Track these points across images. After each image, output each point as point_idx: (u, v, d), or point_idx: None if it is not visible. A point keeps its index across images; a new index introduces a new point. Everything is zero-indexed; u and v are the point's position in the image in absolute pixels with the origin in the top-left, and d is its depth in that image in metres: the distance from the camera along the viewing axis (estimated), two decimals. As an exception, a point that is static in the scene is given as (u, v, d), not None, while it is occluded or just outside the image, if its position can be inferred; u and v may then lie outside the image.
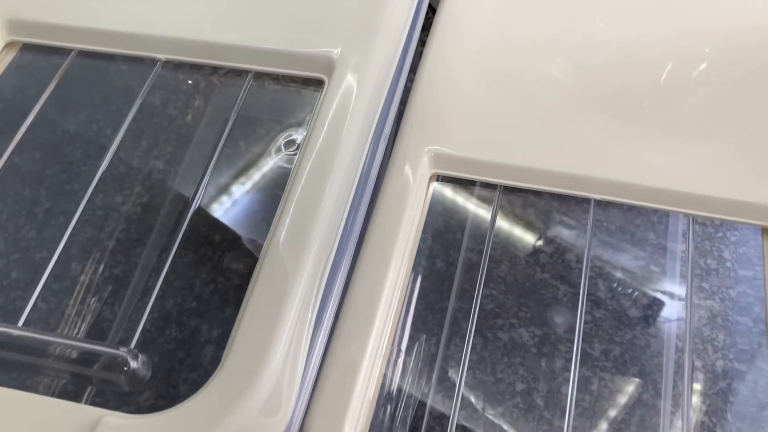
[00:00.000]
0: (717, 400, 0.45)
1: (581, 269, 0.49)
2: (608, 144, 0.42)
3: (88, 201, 0.53)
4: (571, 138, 0.42)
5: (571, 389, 0.39)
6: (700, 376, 0.46)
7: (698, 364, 0.46)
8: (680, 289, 0.49)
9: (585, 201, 0.41)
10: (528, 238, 0.51)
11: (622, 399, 0.46)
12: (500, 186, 0.41)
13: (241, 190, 0.51)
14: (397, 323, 0.44)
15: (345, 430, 0.33)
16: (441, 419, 0.45)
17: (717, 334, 0.48)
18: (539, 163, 0.41)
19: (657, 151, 0.42)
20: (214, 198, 0.52)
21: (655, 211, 0.52)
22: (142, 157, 0.55)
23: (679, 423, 0.45)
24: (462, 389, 0.42)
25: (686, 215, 0.42)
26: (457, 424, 0.45)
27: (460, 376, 0.39)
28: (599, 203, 0.42)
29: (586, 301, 0.48)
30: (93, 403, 0.36)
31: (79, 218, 0.53)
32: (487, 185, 0.42)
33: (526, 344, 0.48)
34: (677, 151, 0.43)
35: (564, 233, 0.51)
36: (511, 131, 0.43)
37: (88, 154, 0.54)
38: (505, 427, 0.45)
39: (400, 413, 0.44)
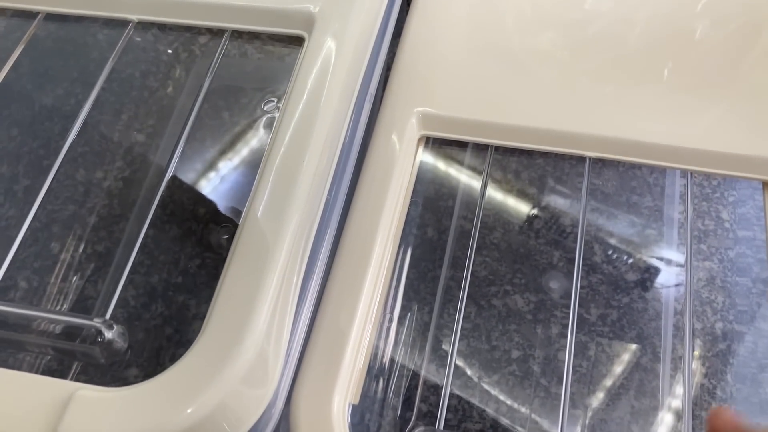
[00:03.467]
0: (717, 362, 0.44)
1: (576, 234, 0.47)
2: (603, 101, 0.41)
3: (67, 176, 0.51)
4: (564, 95, 0.41)
5: (568, 355, 0.38)
6: (700, 338, 0.45)
7: (698, 326, 0.45)
8: (677, 253, 0.48)
9: (580, 160, 0.40)
10: (521, 204, 0.50)
11: (620, 364, 0.45)
12: (491, 146, 0.40)
13: (224, 160, 0.49)
14: (388, 292, 0.43)
15: (335, 399, 0.32)
16: (436, 388, 0.44)
17: (716, 295, 0.46)
18: (531, 122, 0.39)
19: (653, 107, 0.41)
20: (198, 170, 0.50)
21: (652, 171, 0.50)
22: (122, 130, 0.53)
23: (678, 386, 0.44)
24: (455, 358, 0.41)
25: (684, 171, 0.40)
26: (451, 393, 0.44)
27: (452, 344, 0.38)
28: (595, 162, 0.40)
29: (583, 266, 0.47)
30: (78, 380, 0.35)
31: (60, 195, 0.52)
32: (477, 148, 0.41)
33: (521, 311, 0.47)
34: (674, 106, 0.41)
35: (558, 197, 0.49)
36: (502, 90, 0.42)
37: (61, 125, 0.52)
38: (501, 395, 0.44)
39: (393, 383, 0.43)
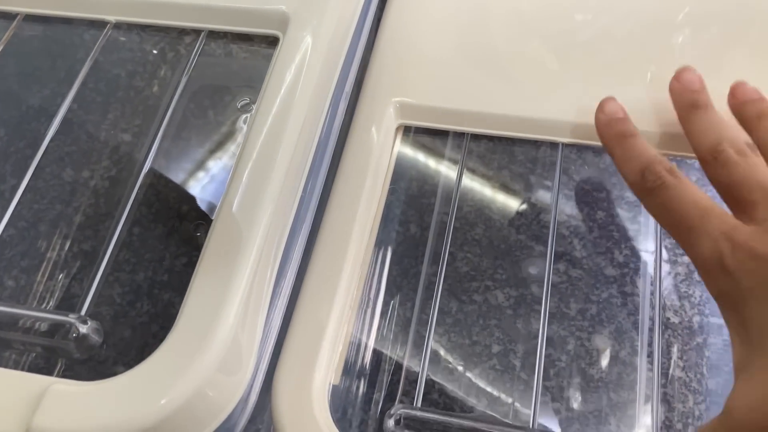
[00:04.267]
0: (693, 355, 0.45)
1: (557, 227, 0.48)
2: (577, 88, 0.42)
3: (53, 176, 0.52)
4: (538, 84, 0.42)
5: (540, 344, 0.38)
6: (678, 331, 0.46)
7: (675, 320, 0.46)
8: (656, 247, 0.49)
9: (554, 147, 0.40)
10: (501, 198, 0.50)
11: (599, 357, 0.46)
12: (467, 134, 0.40)
13: (205, 159, 0.50)
14: (368, 279, 0.43)
15: (315, 379, 0.32)
16: (413, 383, 0.45)
17: (693, 290, 0.47)
18: (506, 110, 0.40)
19: (630, 95, 0.42)
20: (181, 169, 0.51)
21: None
22: (108, 129, 0.54)
23: (656, 379, 0.45)
24: (431, 339, 0.42)
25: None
26: (432, 387, 0.44)
27: (427, 334, 0.39)
28: (572, 154, 0.41)
29: (563, 260, 0.47)
30: (64, 377, 0.36)
31: (46, 194, 0.52)
32: (456, 137, 0.41)
33: (502, 306, 0.47)
34: (646, 93, 0.42)
35: (538, 191, 0.50)
36: (478, 80, 0.42)
37: (39, 124, 0.53)
38: (482, 387, 0.44)
39: (369, 375, 0.44)
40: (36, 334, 0.29)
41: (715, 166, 0.36)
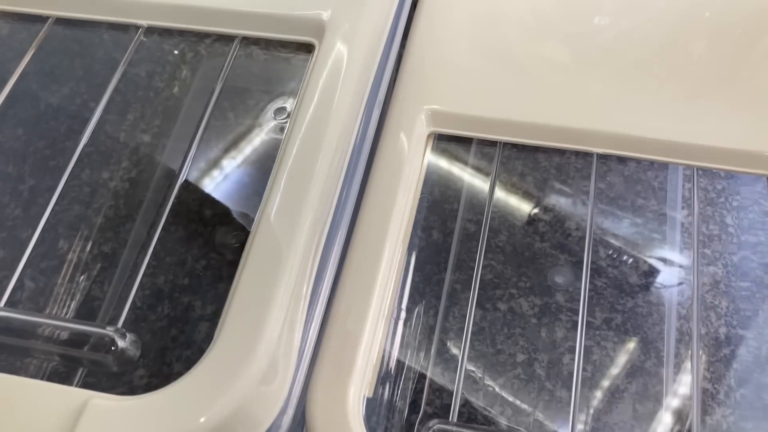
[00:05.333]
0: (720, 366, 0.45)
1: (581, 236, 0.48)
2: (610, 97, 0.41)
3: (72, 176, 0.51)
4: (572, 92, 0.41)
5: (578, 358, 0.38)
6: (703, 342, 0.45)
7: (702, 330, 0.45)
8: (681, 257, 0.48)
9: (585, 163, 0.40)
10: (526, 205, 0.50)
11: (625, 367, 0.45)
12: (500, 143, 0.40)
13: (232, 163, 0.50)
14: (396, 292, 0.43)
15: (350, 392, 0.32)
16: (441, 391, 0.44)
17: (720, 300, 0.47)
18: (540, 119, 0.40)
19: (659, 104, 0.41)
20: (204, 172, 0.50)
21: (656, 176, 0.51)
22: (128, 131, 0.53)
23: (680, 389, 0.44)
24: (467, 353, 0.42)
25: (690, 167, 0.41)
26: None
27: (462, 349, 0.39)
28: (601, 163, 0.40)
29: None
30: (84, 384, 0.35)
31: (66, 195, 0.52)
32: (484, 148, 0.41)
33: (526, 314, 0.47)
34: (680, 103, 0.42)
35: (564, 199, 0.50)
36: (510, 87, 0.42)
37: (71, 128, 0.52)
38: (507, 397, 0.44)
39: (400, 386, 0.43)
40: (60, 344, 0.29)
41: None
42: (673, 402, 0.44)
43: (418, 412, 0.43)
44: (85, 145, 0.53)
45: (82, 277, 0.48)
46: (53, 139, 0.52)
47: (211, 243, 0.49)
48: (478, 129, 0.40)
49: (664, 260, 0.48)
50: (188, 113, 0.52)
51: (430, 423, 0.37)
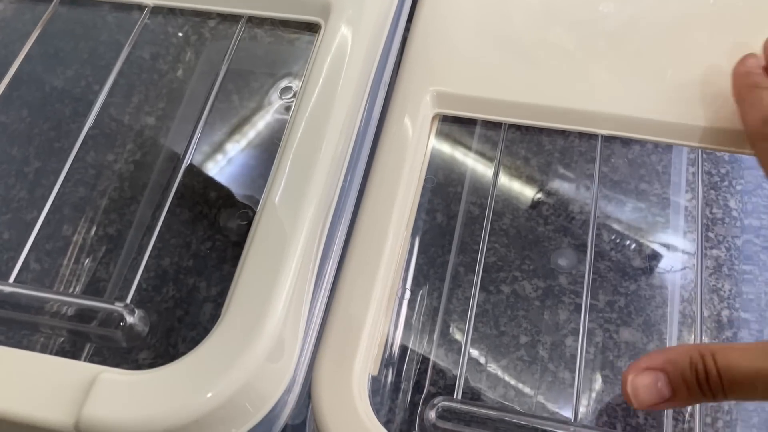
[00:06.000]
0: (722, 349, 0.45)
1: (584, 219, 0.48)
2: (615, 80, 0.41)
3: (77, 159, 0.51)
4: (577, 75, 0.41)
5: (582, 339, 0.38)
6: (706, 325, 0.45)
7: (705, 313, 0.46)
8: (685, 240, 0.48)
9: (589, 146, 0.40)
10: (530, 188, 0.50)
11: (627, 350, 0.46)
12: (505, 125, 0.40)
13: (236, 145, 0.50)
14: (401, 273, 0.43)
15: (355, 370, 0.32)
16: (445, 372, 0.45)
17: (723, 283, 0.47)
18: (545, 100, 0.39)
19: (665, 87, 0.41)
20: (209, 154, 0.50)
21: (660, 159, 0.51)
22: (133, 113, 0.54)
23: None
24: (471, 332, 0.42)
25: (694, 149, 0.41)
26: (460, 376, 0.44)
27: (468, 324, 0.39)
28: (605, 146, 0.40)
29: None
30: (91, 362, 0.35)
31: (71, 177, 0.52)
32: (490, 129, 0.41)
33: (529, 297, 0.47)
34: (684, 85, 0.42)
35: (568, 183, 0.50)
36: (516, 69, 0.42)
37: (76, 111, 0.53)
38: (509, 379, 0.44)
39: (404, 366, 0.44)
40: (67, 319, 0.29)
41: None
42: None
43: (422, 392, 0.43)
44: (90, 128, 0.53)
45: (87, 259, 0.48)
46: (58, 122, 0.52)
47: (217, 225, 0.49)
48: (483, 110, 0.40)
49: (667, 245, 0.48)
50: (193, 95, 0.52)
51: (435, 400, 0.37)
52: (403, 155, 0.38)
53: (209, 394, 0.26)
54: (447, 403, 0.36)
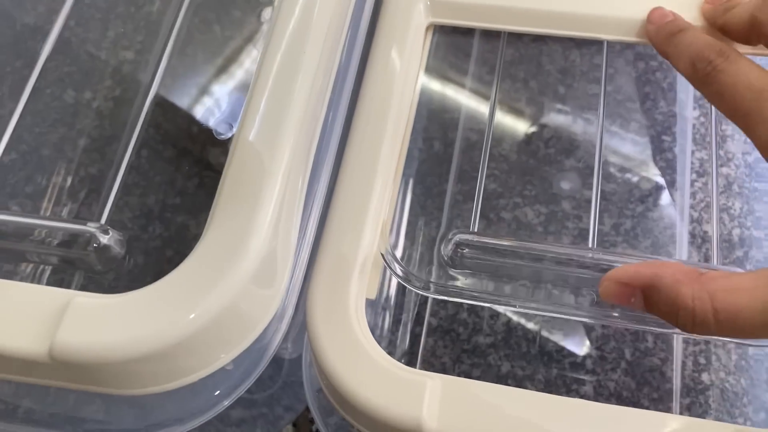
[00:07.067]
0: (733, 268, 0.43)
1: (588, 140, 0.46)
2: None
3: (54, 97, 0.49)
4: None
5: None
6: (716, 244, 0.44)
7: (714, 233, 0.44)
8: (693, 159, 0.46)
9: (592, 65, 0.38)
10: (527, 110, 0.48)
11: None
12: (504, 34, 0.38)
13: (220, 78, 0.47)
14: (397, 202, 0.41)
15: (351, 293, 0.30)
16: (445, 302, 0.43)
17: (733, 202, 0.45)
18: (544, 5, 0.37)
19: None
20: (191, 88, 0.48)
21: (666, 76, 0.48)
22: (110, 48, 0.51)
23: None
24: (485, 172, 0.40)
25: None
26: (461, 305, 0.43)
27: (483, 152, 0.37)
28: (611, 54, 0.38)
29: (595, 175, 0.45)
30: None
31: (47, 117, 0.50)
32: (487, 42, 0.38)
33: (532, 223, 0.45)
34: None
35: (567, 103, 0.47)
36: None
37: (34, 43, 0.50)
38: (513, 303, 0.43)
39: (401, 298, 0.42)
40: (47, 245, 0.27)
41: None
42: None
43: (423, 324, 0.41)
44: (67, 65, 0.51)
45: (69, 200, 0.46)
46: (27, 57, 0.50)
47: (204, 161, 0.47)
48: (481, 18, 0.37)
49: (674, 162, 0.46)
50: (167, 25, 0.49)
51: (450, 234, 0.36)
52: (395, 70, 0.36)
53: (192, 315, 0.25)
54: (463, 236, 0.35)
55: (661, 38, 0.38)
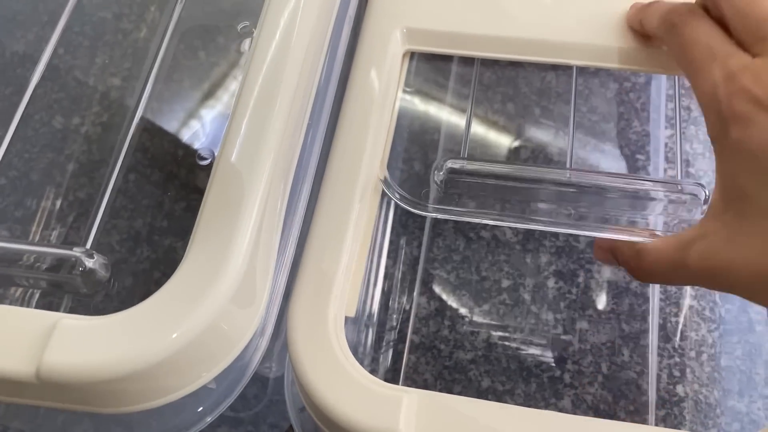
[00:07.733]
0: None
1: (564, 161, 0.47)
2: (588, 11, 0.40)
3: (43, 123, 0.50)
4: (552, 5, 0.40)
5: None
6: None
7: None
8: (665, 177, 0.48)
9: (566, 86, 0.40)
10: (505, 131, 0.49)
11: (610, 289, 0.45)
12: (478, 61, 0.39)
13: (206, 103, 0.48)
14: (377, 223, 0.42)
15: (330, 312, 0.31)
16: (427, 319, 0.44)
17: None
18: (518, 33, 0.38)
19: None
20: (176, 113, 0.49)
21: (639, 97, 0.50)
22: (98, 74, 0.52)
23: (669, 308, 0.44)
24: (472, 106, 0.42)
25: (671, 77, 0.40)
26: (442, 323, 0.44)
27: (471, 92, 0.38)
28: (582, 78, 0.40)
29: (571, 192, 0.46)
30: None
31: (36, 142, 0.51)
32: (463, 67, 0.40)
33: (510, 241, 0.47)
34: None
35: (543, 124, 0.49)
36: (488, 2, 0.41)
37: (24, 71, 0.51)
38: (493, 322, 0.44)
39: (383, 316, 0.43)
40: (40, 271, 0.28)
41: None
42: (659, 320, 0.44)
43: (405, 341, 0.42)
44: (50, 90, 0.52)
45: (58, 225, 0.47)
46: (16, 84, 0.51)
47: (191, 185, 0.48)
48: (455, 45, 0.39)
49: (647, 179, 0.47)
50: (154, 51, 0.50)
51: (442, 162, 0.39)
52: (373, 96, 0.37)
53: (174, 335, 0.26)
54: (453, 164, 0.38)
55: (637, 22, 0.40)
